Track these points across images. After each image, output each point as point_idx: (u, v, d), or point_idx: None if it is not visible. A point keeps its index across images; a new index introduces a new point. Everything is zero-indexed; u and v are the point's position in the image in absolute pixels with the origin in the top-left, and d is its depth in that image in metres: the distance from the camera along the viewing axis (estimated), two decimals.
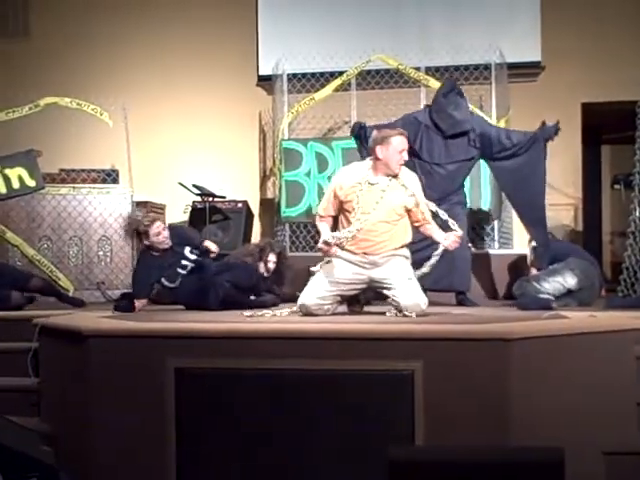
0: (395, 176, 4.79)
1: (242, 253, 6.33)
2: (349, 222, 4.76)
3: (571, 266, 5.73)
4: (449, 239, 4.80)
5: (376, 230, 4.74)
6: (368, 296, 5.20)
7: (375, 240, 4.74)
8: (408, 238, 4.87)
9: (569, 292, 5.69)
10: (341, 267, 4.80)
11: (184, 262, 5.60)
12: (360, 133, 5.93)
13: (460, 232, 4.92)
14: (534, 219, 5.84)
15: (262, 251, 6.22)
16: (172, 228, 5.82)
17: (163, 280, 5.53)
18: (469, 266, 5.92)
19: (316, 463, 3.65)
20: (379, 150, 4.77)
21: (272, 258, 6.20)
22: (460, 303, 5.88)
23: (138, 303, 5.42)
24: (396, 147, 4.79)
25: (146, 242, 5.58)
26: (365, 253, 4.76)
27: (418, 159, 5.75)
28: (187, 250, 5.65)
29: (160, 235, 5.54)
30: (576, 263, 5.77)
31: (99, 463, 3.88)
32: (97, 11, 9.13)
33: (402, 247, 4.83)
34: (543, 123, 5.82)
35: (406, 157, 4.85)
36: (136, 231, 5.76)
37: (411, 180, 4.86)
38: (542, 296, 5.46)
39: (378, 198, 4.73)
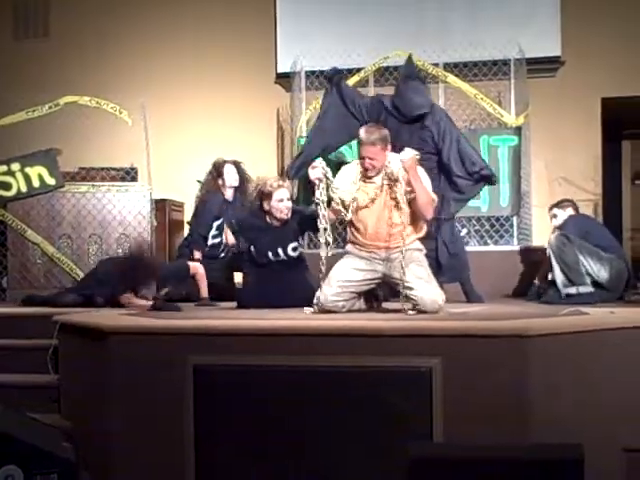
0: (377, 173, 4.77)
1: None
2: (355, 226, 4.80)
3: (614, 263, 5.68)
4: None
5: (382, 228, 4.73)
6: (385, 293, 5.19)
7: (383, 238, 4.74)
8: (420, 231, 4.84)
9: (596, 284, 5.64)
10: (354, 263, 4.80)
11: (280, 251, 5.33)
12: (335, 80, 6.12)
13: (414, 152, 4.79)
14: None
15: (217, 168, 6.38)
16: (297, 209, 5.52)
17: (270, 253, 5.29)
18: (462, 253, 5.97)
19: (334, 460, 3.65)
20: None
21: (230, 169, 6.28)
22: (466, 294, 5.89)
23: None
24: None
25: (266, 206, 5.33)
26: (376, 250, 4.76)
27: None
28: (293, 245, 5.36)
29: (282, 203, 5.29)
30: (618, 263, 5.72)
31: (118, 460, 3.90)
32: (116, 11, 9.17)
33: (414, 241, 4.80)
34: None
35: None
36: (261, 192, 5.39)
37: (396, 164, 4.77)
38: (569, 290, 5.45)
39: (374, 195, 4.74)
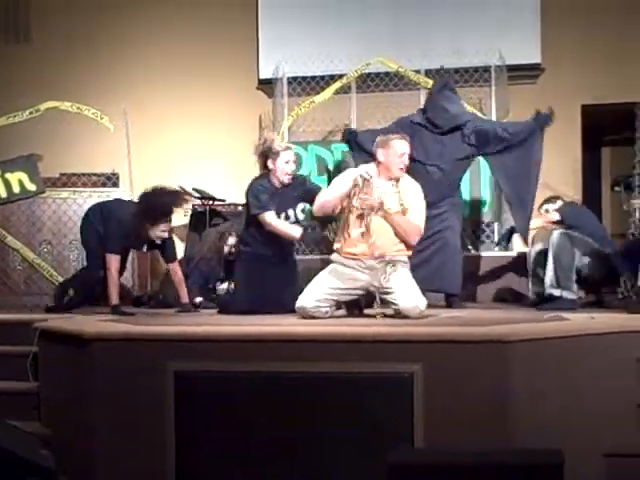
0: (397, 180, 4.81)
1: (204, 246, 6.37)
2: (349, 225, 4.79)
3: (603, 255, 5.68)
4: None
5: (374, 232, 4.74)
6: (367, 299, 5.20)
7: (373, 242, 4.75)
8: (410, 248, 4.90)
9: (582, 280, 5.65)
10: (339, 272, 4.82)
11: (290, 213, 5.31)
12: (350, 138, 5.96)
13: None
14: (522, 207, 5.84)
15: (222, 238, 6.23)
16: (300, 177, 5.51)
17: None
18: (460, 269, 5.89)
19: (315, 465, 3.65)
20: (380, 153, 4.81)
21: (232, 241, 6.15)
22: (449, 305, 5.82)
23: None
24: (396, 150, 4.82)
25: (271, 166, 5.25)
26: (363, 255, 4.77)
27: (413, 162, 5.72)
28: (300, 206, 5.34)
29: (288, 164, 5.23)
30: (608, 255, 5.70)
31: (99, 467, 3.88)
32: (98, 16, 9.13)
33: (400, 252, 4.84)
34: (537, 112, 5.81)
35: (406, 161, 4.87)
36: (268, 149, 5.29)
37: (409, 189, 4.86)
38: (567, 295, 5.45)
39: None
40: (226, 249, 6.35)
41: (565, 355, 3.81)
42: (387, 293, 4.73)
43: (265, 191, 5.25)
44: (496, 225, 7.27)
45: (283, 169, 5.26)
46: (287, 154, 5.28)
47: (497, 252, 7.14)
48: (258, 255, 5.32)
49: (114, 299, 5.40)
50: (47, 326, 4.51)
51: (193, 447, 3.76)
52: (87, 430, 3.93)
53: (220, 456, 3.73)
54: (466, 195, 7.07)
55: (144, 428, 3.83)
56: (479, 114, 6.88)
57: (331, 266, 4.90)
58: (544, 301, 5.50)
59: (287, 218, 5.31)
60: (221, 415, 3.74)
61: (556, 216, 5.89)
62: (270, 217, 5.18)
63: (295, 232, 5.21)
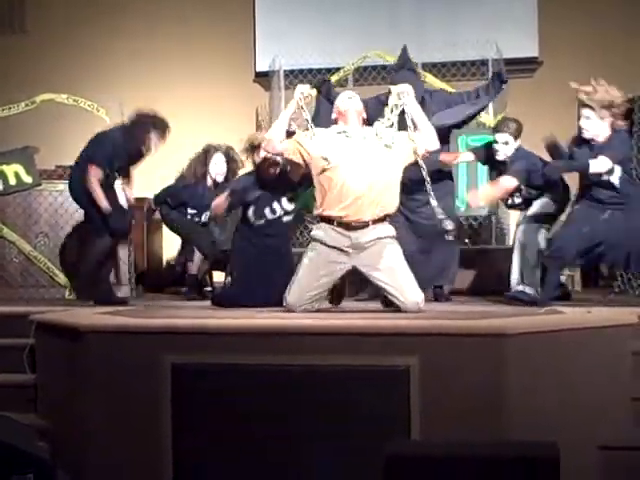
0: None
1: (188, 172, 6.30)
2: (324, 188, 4.66)
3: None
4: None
5: (354, 191, 4.56)
6: (370, 293, 5.17)
7: (356, 203, 4.57)
8: (392, 208, 4.72)
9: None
10: (322, 263, 4.66)
11: (275, 206, 5.33)
12: (322, 87, 5.95)
13: (451, 228, 4.87)
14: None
15: (206, 153, 6.20)
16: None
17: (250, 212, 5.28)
18: (456, 261, 5.87)
19: (312, 458, 3.65)
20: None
21: (219, 160, 6.06)
22: (435, 297, 5.78)
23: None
24: (337, 105, 4.88)
25: (256, 159, 5.35)
26: (346, 222, 4.59)
27: None
28: (286, 198, 5.34)
29: (270, 157, 5.26)
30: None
31: (95, 459, 3.88)
32: (94, 7, 9.11)
33: (385, 218, 4.66)
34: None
35: (350, 112, 4.83)
36: (251, 145, 5.42)
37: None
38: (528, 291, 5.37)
39: (353, 151, 4.64)
40: (214, 170, 6.29)
41: (561, 348, 3.82)
42: (381, 285, 4.63)
43: (242, 184, 5.43)
44: (493, 219, 7.28)
45: (267, 159, 5.31)
46: None
47: (494, 245, 7.16)
48: (253, 247, 5.32)
49: (105, 204, 5.49)
50: (43, 319, 4.51)
51: (189, 440, 3.77)
52: (84, 422, 3.93)
53: (216, 449, 3.73)
54: (462, 189, 7.08)
55: (141, 420, 3.83)
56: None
57: (311, 248, 4.73)
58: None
59: (273, 212, 5.32)
60: (218, 408, 3.74)
61: (509, 182, 5.47)
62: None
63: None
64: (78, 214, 6.72)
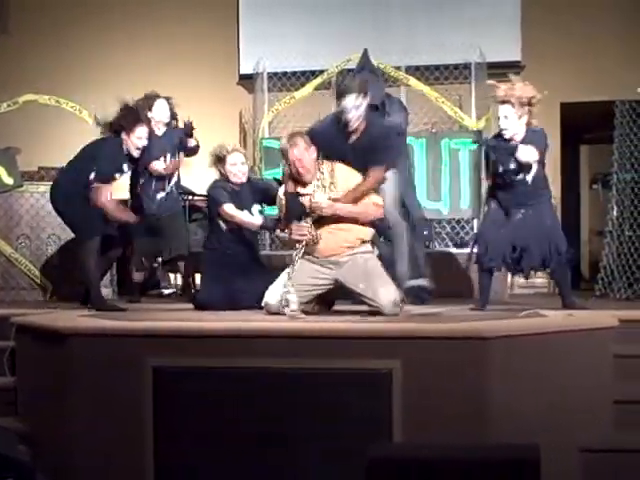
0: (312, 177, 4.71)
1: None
2: None
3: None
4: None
5: (319, 236, 4.64)
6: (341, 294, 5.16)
7: (321, 248, 4.66)
8: (366, 234, 4.74)
9: None
10: (304, 266, 4.69)
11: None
12: None
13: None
14: None
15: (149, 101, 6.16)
16: (254, 180, 5.64)
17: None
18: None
19: (294, 462, 3.65)
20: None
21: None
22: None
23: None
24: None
25: (222, 170, 5.39)
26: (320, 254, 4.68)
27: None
28: (257, 207, 5.42)
29: (235, 167, 5.33)
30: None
31: (77, 462, 3.87)
32: (77, 9, 9.08)
33: (355, 245, 4.70)
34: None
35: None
36: (216, 157, 5.44)
37: (337, 173, 4.69)
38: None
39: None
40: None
41: (543, 351, 3.83)
42: (360, 293, 4.66)
43: (223, 187, 5.38)
44: (475, 222, 7.30)
45: (231, 171, 5.37)
46: (232, 157, 5.38)
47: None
48: (224, 254, 5.35)
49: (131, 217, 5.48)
50: (24, 321, 4.48)
51: (171, 442, 3.76)
52: (65, 425, 3.91)
53: (198, 451, 3.72)
54: (445, 192, 7.10)
55: (122, 423, 3.81)
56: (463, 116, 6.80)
57: (298, 254, 4.74)
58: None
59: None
60: (199, 410, 3.73)
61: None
62: (229, 209, 5.27)
63: (255, 220, 5.36)
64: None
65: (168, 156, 6.16)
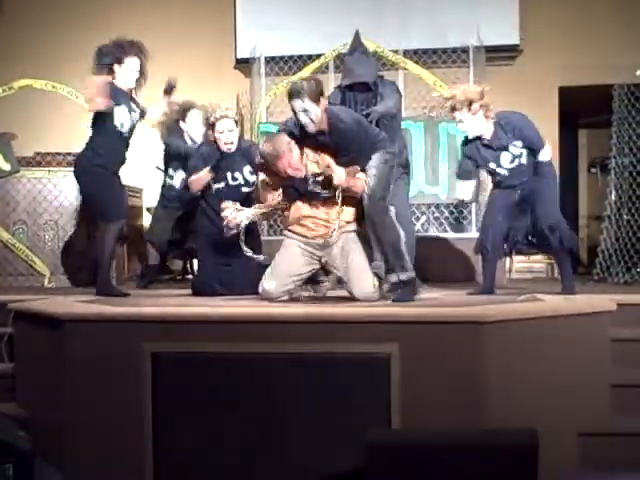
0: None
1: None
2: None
3: None
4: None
5: (307, 217, 4.64)
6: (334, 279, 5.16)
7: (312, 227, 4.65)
8: (351, 214, 4.68)
9: None
10: (294, 248, 4.69)
11: (237, 174, 5.33)
12: None
13: None
14: None
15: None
16: (246, 146, 5.47)
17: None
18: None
19: (293, 446, 3.66)
20: None
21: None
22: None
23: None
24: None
25: (210, 135, 5.35)
26: (308, 234, 4.66)
27: None
28: (248, 168, 5.33)
29: (223, 134, 5.24)
30: None
31: (76, 447, 3.87)
32: None
33: (348, 224, 4.66)
34: None
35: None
36: (207, 120, 5.43)
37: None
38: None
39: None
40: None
41: (540, 335, 3.84)
42: (342, 277, 4.67)
43: (200, 156, 5.38)
44: (474, 206, 7.29)
45: (219, 139, 5.30)
46: (221, 124, 5.28)
47: (475, 234, 7.17)
48: (219, 235, 5.11)
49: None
50: (22, 307, 4.48)
51: (170, 428, 3.76)
52: (63, 411, 3.91)
53: (197, 437, 3.73)
54: (444, 176, 7.09)
55: (121, 409, 3.82)
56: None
57: (286, 242, 4.76)
58: None
59: (234, 179, 5.33)
60: (198, 396, 3.73)
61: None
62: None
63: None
64: (57, 202, 6.68)
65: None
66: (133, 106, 5.50)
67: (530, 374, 3.78)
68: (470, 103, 5.00)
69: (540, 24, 8.34)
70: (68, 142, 7.59)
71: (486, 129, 5.07)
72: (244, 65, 8.62)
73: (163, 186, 6.33)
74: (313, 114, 4.45)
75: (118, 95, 5.36)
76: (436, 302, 4.54)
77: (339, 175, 4.47)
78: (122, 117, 5.36)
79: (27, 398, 4.35)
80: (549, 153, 5.09)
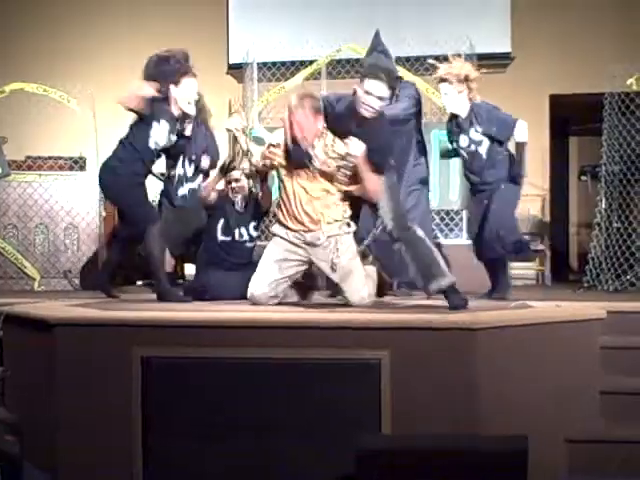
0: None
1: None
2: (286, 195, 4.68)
3: None
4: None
5: (297, 207, 4.61)
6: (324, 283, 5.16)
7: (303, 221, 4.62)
8: (342, 214, 4.66)
9: None
10: (281, 247, 4.68)
11: (243, 230, 5.33)
12: None
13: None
14: None
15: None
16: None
17: None
18: None
19: (283, 451, 3.65)
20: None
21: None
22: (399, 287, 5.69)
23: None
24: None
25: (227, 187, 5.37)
26: (300, 229, 4.63)
27: None
28: (253, 225, 5.36)
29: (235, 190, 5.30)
30: None
31: (65, 452, 3.85)
32: None
33: (336, 222, 4.63)
34: None
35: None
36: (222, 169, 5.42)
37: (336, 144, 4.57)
38: None
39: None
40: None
41: (530, 342, 3.85)
42: (333, 279, 4.64)
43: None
44: (464, 213, 7.31)
45: (229, 192, 5.37)
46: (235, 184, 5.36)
47: (466, 240, 7.18)
48: (218, 264, 5.27)
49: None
50: (12, 311, 4.46)
51: (159, 432, 3.75)
52: (53, 415, 3.90)
53: (186, 441, 3.72)
54: (435, 183, 7.09)
55: (110, 413, 3.80)
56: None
57: (273, 241, 4.75)
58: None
59: (240, 235, 5.33)
60: (187, 401, 3.73)
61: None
62: None
63: None
64: (47, 205, 6.66)
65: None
66: (175, 128, 5.28)
67: (520, 381, 3.78)
68: (464, 79, 5.14)
69: (532, 32, 8.38)
70: (59, 146, 7.60)
71: (463, 109, 5.21)
72: (236, 71, 8.62)
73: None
74: (384, 103, 4.45)
75: (160, 112, 5.15)
76: (427, 308, 4.53)
77: (357, 146, 4.42)
78: (159, 136, 5.12)
79: (16, 402, 4.32)
80: (525, 132, 5.12)
